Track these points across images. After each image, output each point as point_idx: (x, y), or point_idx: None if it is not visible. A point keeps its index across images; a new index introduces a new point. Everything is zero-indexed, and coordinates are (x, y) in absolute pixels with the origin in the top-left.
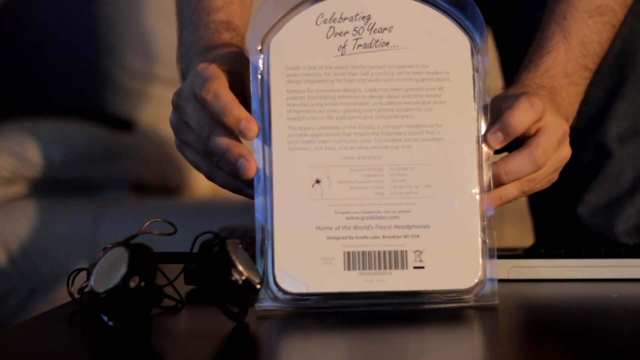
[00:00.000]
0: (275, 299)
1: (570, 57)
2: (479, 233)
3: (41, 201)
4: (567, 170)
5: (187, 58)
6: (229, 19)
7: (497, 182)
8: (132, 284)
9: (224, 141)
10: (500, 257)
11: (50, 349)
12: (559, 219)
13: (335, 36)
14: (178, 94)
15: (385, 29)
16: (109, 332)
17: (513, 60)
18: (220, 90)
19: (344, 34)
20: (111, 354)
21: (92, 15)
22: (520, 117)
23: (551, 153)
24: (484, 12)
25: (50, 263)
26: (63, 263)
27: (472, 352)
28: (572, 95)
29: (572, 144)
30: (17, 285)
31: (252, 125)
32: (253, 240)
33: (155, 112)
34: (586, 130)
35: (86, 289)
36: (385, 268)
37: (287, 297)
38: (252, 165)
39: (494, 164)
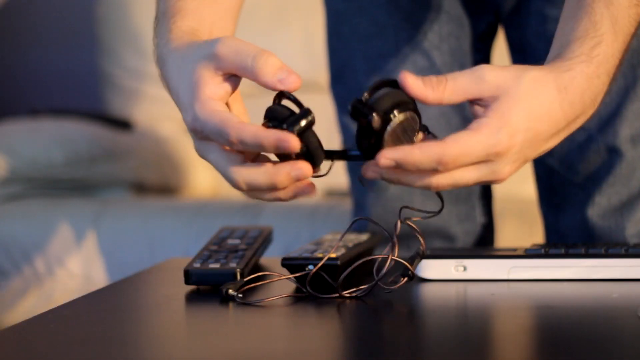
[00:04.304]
0: None
1: (614, 51)
2: None
3: (41, 201)
4: (578, 172)
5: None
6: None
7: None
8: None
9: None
10: (500, 257)
11: (50, 349)
12: (569, 220)
13: None
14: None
15: None
16: (109, 332)
17: (525, 59)
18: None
19: None
20: (111, 354)
21: (92, 15)
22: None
23: (454, 165)
24: (495, 9)
25: (50, 263)
26: (63, 263)
27: (471, 352)
28: (602, 95)
29: (583, 144)
30: (17, 285)
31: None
32: (253, 241)
33: (156, 112)
34: (597, 131)
35: None
36: None
37: None
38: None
39: (393, 171)
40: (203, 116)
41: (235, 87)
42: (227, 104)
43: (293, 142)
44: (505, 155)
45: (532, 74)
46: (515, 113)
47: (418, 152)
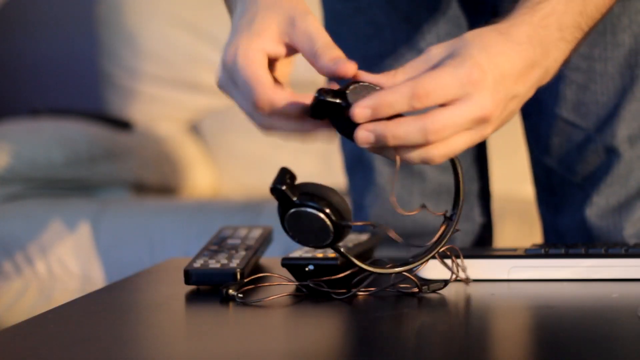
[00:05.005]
0: None
1: (568, 10)
2: None
3: (41, 201)
4: (576, 172)
5: None
6: None
7: (381, 144)
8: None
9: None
10: (500, 257)
11: (50, 349)
12: (567, 221)
13: None
14: (226, 69)
15: None
16: (109, 332)
17: None
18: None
19: None
20: (111, 354)
21: (91, 15)
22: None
23: (449, 132)
24: (493, 9)
25: (50, 263)
26: (63, 263)
27: (472, 352)
28: (559, 52)
29: (581, 145)
30: (17, 285)
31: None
32: (253, 241)
33: (156, 112)
34: (595, 132)
35: None
36: None
37: None
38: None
39: (382, 123)
40: (243, 62)
41: (289, 54)
42: (274, 64)
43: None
44: (482, 84)
45: (470, 32)
46: (473, 51)
47: (390, 92)
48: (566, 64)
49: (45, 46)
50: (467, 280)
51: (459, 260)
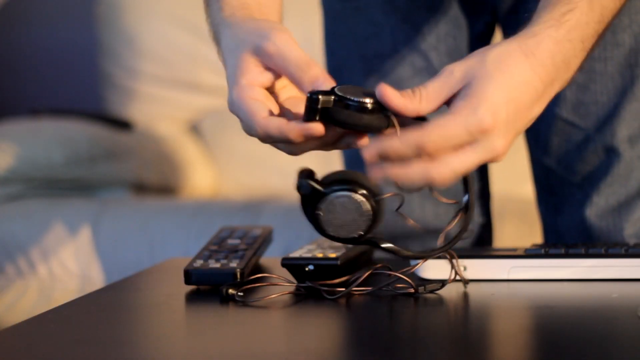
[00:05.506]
0: None
1: (589, 20)
2: None
3: (41, 201)
4: (575, 172)
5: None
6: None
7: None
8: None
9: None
10: (500, 257)
11: (50, 349)
12: (567, 221)
13: None
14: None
15: None
16: (110, 332)
17: None
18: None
19: None
20: (111, 354)
21: (91, 15)
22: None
23: (454, 177)
24: (493, 9)
25: (50, 263)
26: (63, 263)
27: (472, 352)
28: (578, 61)
29: (581, 145)
30: (17, 286)
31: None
32: (253, 241)
33: (156, 112)
34: (595, 132)
35: None
36: None
37: None
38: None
39: (388, 166)
40: (237, 102)
41: (278, 77)
42: (274, 89)
43: (317, 129)
44: (492, 132)
45: (494, 51)
46: (490, 90)
47: (397, 141)
48: (594, 102)
49: (46, 46)
50: (465, 281)
51: (454, 261)
